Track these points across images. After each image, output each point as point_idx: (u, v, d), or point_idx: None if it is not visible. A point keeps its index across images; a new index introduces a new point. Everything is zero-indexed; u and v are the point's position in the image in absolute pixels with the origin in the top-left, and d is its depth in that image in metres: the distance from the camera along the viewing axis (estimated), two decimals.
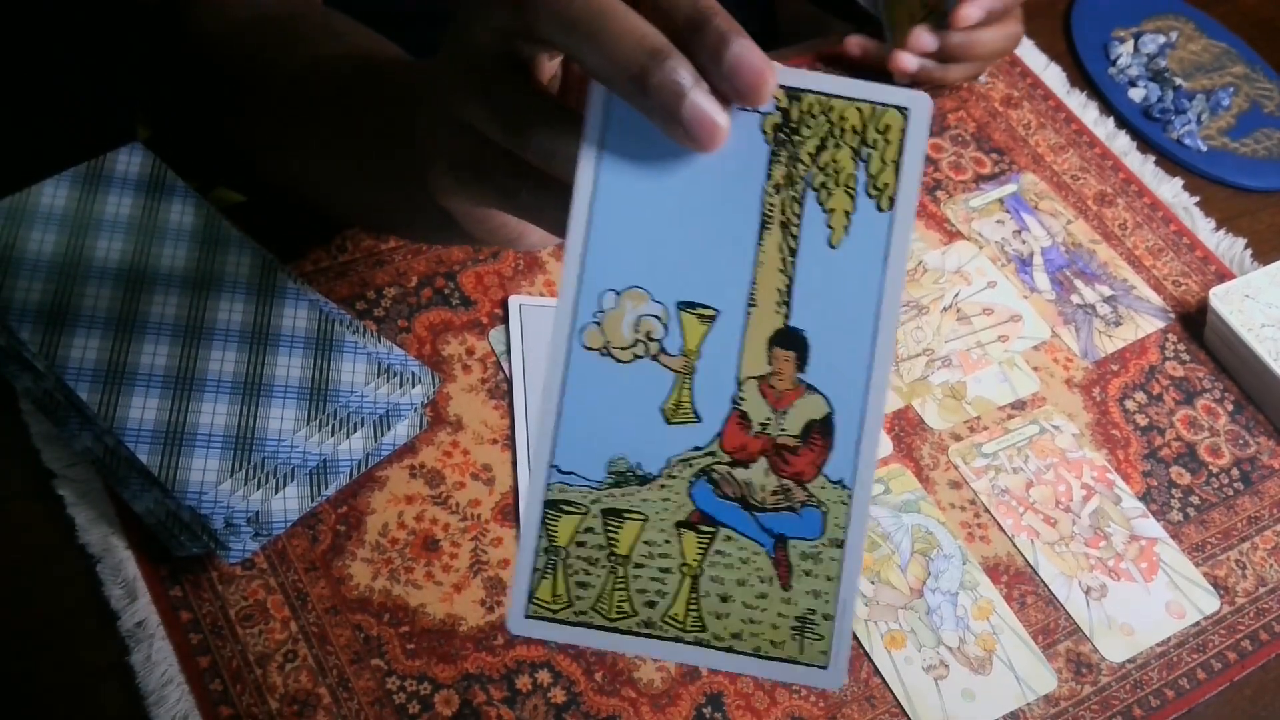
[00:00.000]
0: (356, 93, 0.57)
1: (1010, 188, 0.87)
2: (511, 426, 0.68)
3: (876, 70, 0.89)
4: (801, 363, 0.41)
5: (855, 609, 0.43)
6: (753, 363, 0.41)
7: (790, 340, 0.41)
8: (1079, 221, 0.86)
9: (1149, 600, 0.69)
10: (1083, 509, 0.71)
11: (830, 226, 0.41)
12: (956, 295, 0.80)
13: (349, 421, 0.63)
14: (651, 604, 0.42)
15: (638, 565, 0.42)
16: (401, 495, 0.65)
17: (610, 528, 0.42)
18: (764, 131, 0.41)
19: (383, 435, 0.64)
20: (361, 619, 0.60)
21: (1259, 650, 0.69)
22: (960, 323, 0.78)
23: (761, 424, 0.42)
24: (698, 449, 0.42)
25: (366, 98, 0.56)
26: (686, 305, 0.41)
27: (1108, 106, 0.95)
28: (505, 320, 0.72)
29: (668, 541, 0.42)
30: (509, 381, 0.70)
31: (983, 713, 0.63)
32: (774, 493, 0.42)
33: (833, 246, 0.41)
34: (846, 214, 0.41)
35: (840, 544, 0.41)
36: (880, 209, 0.41)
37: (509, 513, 0.65)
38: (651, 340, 0.42)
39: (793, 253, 0.41)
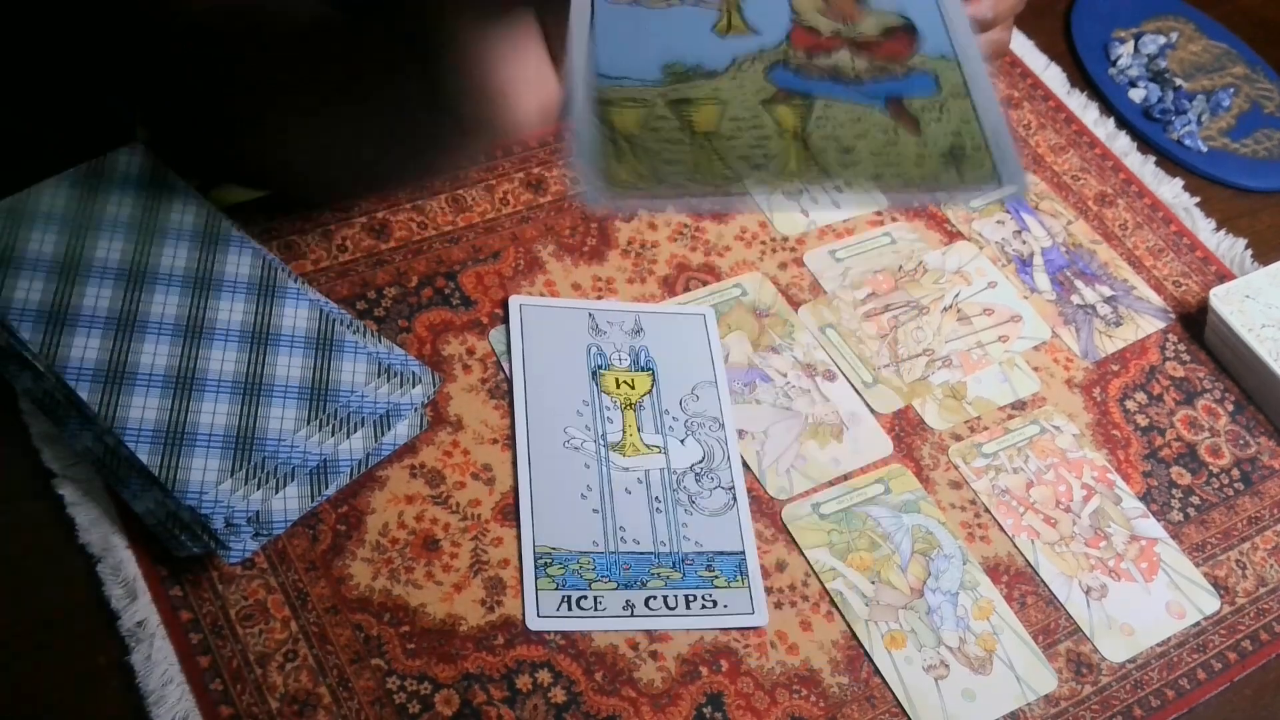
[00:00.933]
0: (352, 34, 0.58)
1: (1011, 188, 0.87)
2: (512, 426, 0.68)
3: None
4: None
5: (1009, 142, 0.42)
6: None
7: None
8: (1079, 222, 0.86)
9: (1149, 600, 0.69)
10: (1083, 509, 0.71)
11: None
12: (957, 295, 0.80)
13: (349, 421, 0.63)
14: (759, 166, 0.41)
15: (729, 138, 0.41)
16: (402, 495, 0.65)
17: (683, 113, 0.41)
18: None
19: (383, 435, 0.64)
20: (362, 619, 0.60)
21: (1259, 650, 0.68)
22: (960, 323, 0.78)
23: (834, 31, 0.40)
24: (765, 49, 0.40)
25: (360, 37, 0.57)
26: None
27: (1108, 107, 0.95)
28: (505, 320, 0.72)
29: (756, 116, 0.41)
30: (509, 381, 0.70)
31: (983, 713, 0.63)
32: (867, 69, 0.40)
33: None
34: None
35: (964, 94, 0.40)
36: None
37: (509, 512, 0.65)
38: None
39: None
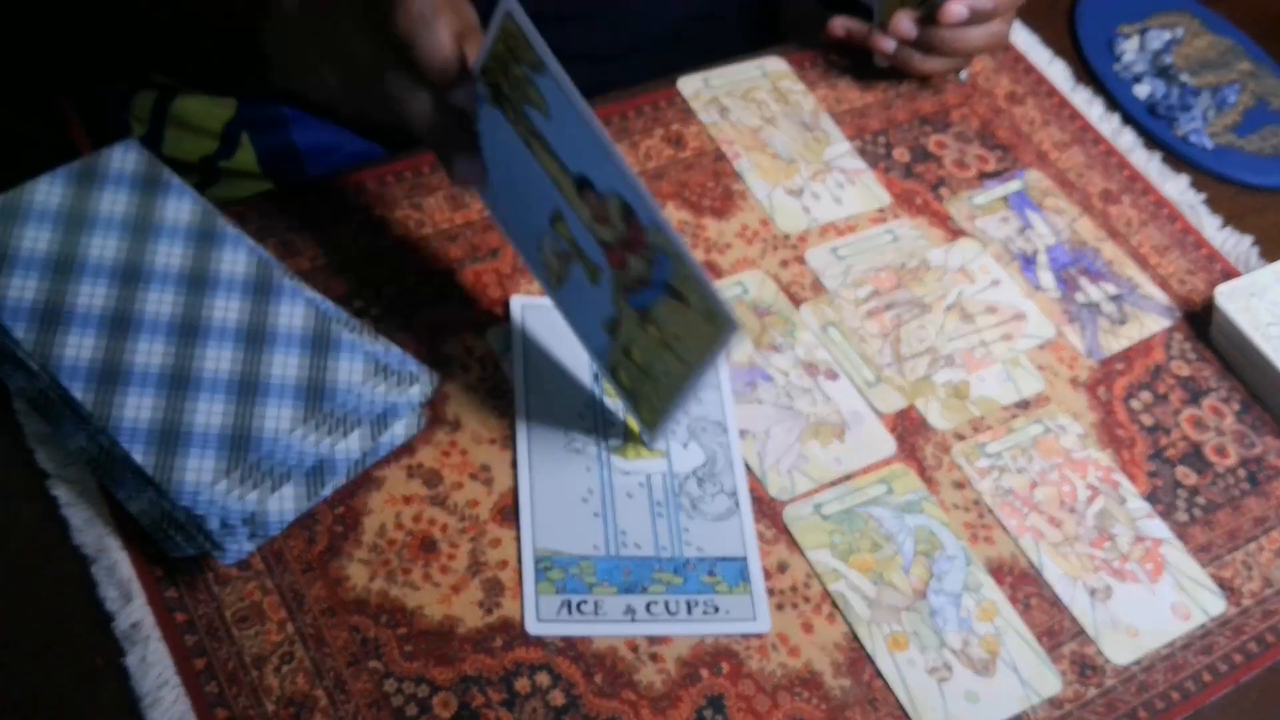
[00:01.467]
0: None
1: (1014, 185, 0.87)
2: (511, 426, 0.67)
3: (860, 48, 0.89)
4: (592, 187, 0.59)
5: (706, 276, 0.58)
6: (584, 215, 0.60)
7: (581, 182, 0.59)
8: (1084, 219, 0.85)
9: (1154, 602, 0.68)
10: (1087, 509, 0.71)
11: (540, 110, 0.59)
12: (960, 294, 0.79)
13: (346, 421, 0.62)
14: (668, 374, 0.61)
15: (648, 365, 0.62)
16: (399, 495, 0.64)
17: (630, 360, 0.63)
18: (493, 104, 0.61)
19: (380, 435, 0.64)
20: (358, 620, 0.60)
21: (1266, 652, 0.68)
22: (964, 321, 0.78)
23: (612, 240, 0.60)
24: (611, 282, 0.62)
25: None
26: (550, 223, 0.63)
27: (1113, 103, 0.94)
28: (505, 319, 0.71)
29: (645, 340, 0.61)
30: (509, 381, 0.69)
31: (986, 715, 0.62)
32: (644, 266, 0.59)
33: (548, 118, 0.59)
34: (539, 98, 0.58)
35: (680, 257, 0.58)
36: (541, 76, 0.57)
37: (508, 513, 0.64)
38: (563, 254, 0.64)
39: (544, 144, 0.60)
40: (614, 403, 0.69)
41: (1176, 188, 0.89)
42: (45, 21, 0.90)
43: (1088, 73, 0.96)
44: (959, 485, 0.70)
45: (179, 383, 0.60)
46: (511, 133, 0.61)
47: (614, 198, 0.58)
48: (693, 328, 0.58)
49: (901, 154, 0.86)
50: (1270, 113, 0.97)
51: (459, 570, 0.62)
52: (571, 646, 0.61)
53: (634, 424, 0.67)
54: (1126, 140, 0.91)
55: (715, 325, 0.58)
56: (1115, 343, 0.79)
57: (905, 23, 0.86)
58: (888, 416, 0.73)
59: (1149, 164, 0.90)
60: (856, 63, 0.91)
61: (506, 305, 0.72)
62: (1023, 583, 0.67)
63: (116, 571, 0.59)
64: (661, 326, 0.60)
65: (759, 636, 0.63)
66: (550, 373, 0.69)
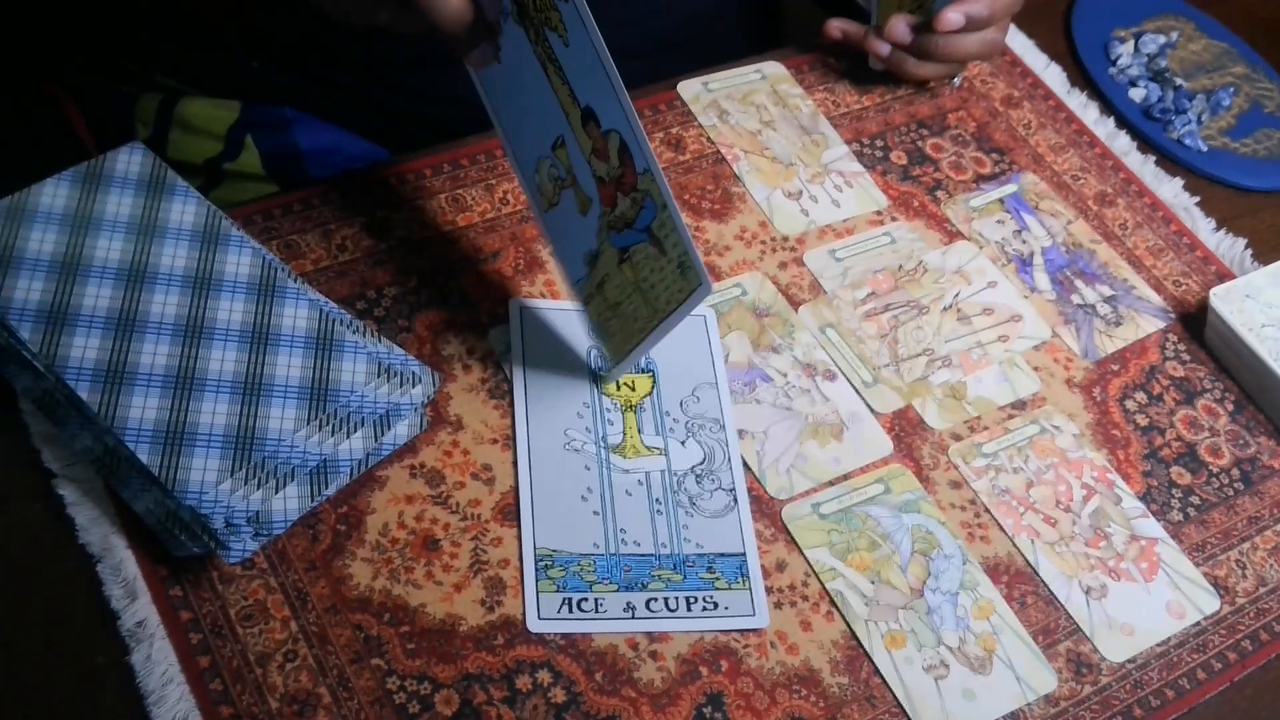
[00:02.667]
0: None
1: (1010, 188, 0.87)
2: (512, 426, 0.68)
3: (857, 51, 0.90)
4: (596, 121, 0.61)
5: (687, 230, 0.61)
6: (585, 147, 0.62)
7: (587, 114, 0.61)
8: (1079, 221, 0.86)
9: (1149, 600, 0.69)
10: (1083, 509, 0.71)
11: (560, 36, 0.60)
12: (957, 295, 0.80)
13: (349, 421, 0.63)
14: (636, 317, 0.65)
15: (618, 303, 0.65)
16: (402, 495, 0.65)
17: (602, 294, 0.66)
18: (517, 20, 0.62)
19: (383, 435, 0.64)
20: (361, 619, 0.60)
21: (1259, 650, 0.69)
22: (960, 323, 0.78)
23: (606, 176, 0.62)
24: (599, 217, 0.64)
25: None
26: (552, 147, 0.65)
27: (1108, 106, 0.95)
28: (506, 320, 0.72)
29: (620, 278, 0.64)
30: (509, 382, 0.70)
31: (983, 713, 0.63)
32: (630, 207, 0.62)
33: (566, 46, 0.60)
34: (560, 24, 0.59)
35: (665, 206, 0.61)
36: (564, 2, 0.58)
37: (509, 512, 0.65)
38: (559, 179, 0.66)
39: (559, 70, 0.61)
40: (612, 401, 0.70)
41: (1171, 190, 0.90)
42: (50, 24, 0.91)
43: (1083, 76, 0.97)
44: (956, 485, 0.71)
45: (184, 383, 0.61)
46: (530, 52, 0.62)
47: (614, 135, 0.60)
48: (665, 277, 0.62)
49: (899, 157, 0.87)
50: (1264, 116, 0.98)
51: (461, 569, 0.63)
52: (572, 644, 0.61)
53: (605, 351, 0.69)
54: (1121, 143, 0.92)
55: (686, 279, 0.61)
56: (1110, 344, 0.80)
57: (900, 27, 0.87)
58: (885, 417, 0.73)
59: (1144, 167, 0.91)
60: (854, 67, 0.91)
61: (507, 306, 0.73)
62: (1019, 581, 0.68)
63: (122, 570, 0.60)
64: (637, 269, 0.63)
65: (758, 634, 0.63)
66: (550, 373, 0.70)
